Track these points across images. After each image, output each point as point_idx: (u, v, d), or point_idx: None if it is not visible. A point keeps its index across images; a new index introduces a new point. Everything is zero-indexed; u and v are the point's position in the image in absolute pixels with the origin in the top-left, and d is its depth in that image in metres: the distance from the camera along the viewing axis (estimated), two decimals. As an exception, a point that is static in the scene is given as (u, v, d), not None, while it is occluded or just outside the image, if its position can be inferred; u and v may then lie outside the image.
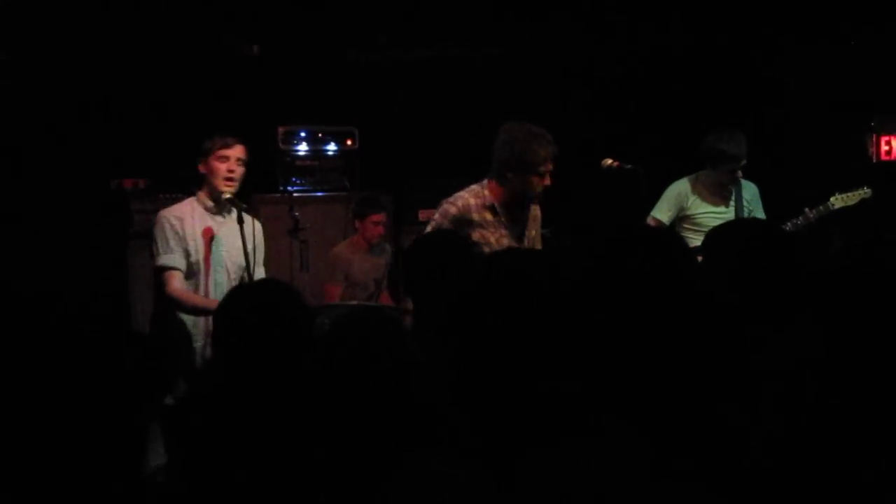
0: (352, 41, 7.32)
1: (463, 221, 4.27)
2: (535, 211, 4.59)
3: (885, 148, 7.09)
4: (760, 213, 5.73)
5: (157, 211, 4.59)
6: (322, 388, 1.84)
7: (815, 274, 2.21)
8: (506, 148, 4.29)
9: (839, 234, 5.92)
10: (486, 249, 4.25)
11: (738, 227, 3.05)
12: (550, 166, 4.31)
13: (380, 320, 2.00)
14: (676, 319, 1.70)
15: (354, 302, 5.91)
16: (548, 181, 4.33)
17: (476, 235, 4.27)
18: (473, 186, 4.39)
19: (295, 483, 1.90)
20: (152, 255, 4.41)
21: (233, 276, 4.42)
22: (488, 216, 4.34)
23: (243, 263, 4.30)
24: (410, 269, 3.16)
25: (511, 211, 4.40)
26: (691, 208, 5.64)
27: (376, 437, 1.78)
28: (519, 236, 4.44)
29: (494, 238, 4.34)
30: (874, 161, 7.07)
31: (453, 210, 4.30)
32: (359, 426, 1.78)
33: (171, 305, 4.34)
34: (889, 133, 7.08)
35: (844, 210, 5.67)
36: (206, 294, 4.35)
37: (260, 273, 4.52)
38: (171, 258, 4.32)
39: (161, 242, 4.35)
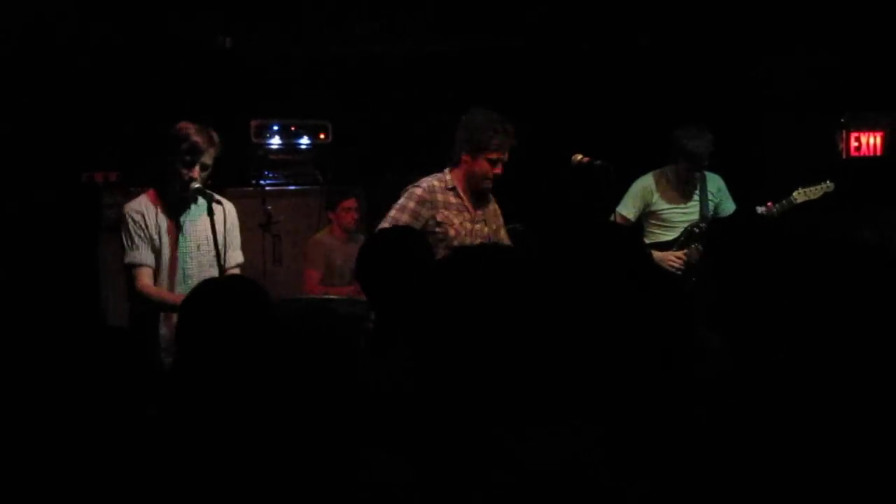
0: (325, 34, 7.31)
1: (427, 202, 4.44)
2: (495, 205, 4.72)
3: (854, 144, 7.15)
4: (730, 203, 5.78)
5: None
6: (273, 384, 1.87)
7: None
8: (464, 130, 4.49)
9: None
10: (451, 231, 4.44)
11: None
12: (505, 156, 4.48)
13: (323, 315, 2.02)
14: (633, 315, 1.72)
15: (324, 295, 5.93)
16: (499, 170, 4.48)
17: (440, 216, 4.43)
18: (436, 174, 4.56)
19: (258, 479, 1.91)
20: (122, 253, 4.33)
21: (207, 264, 4.32)
22: (451, 198, 4.50)
23: (213, 255, 4.21)
24: (366, 266, 3.15)
25: (472, 196, 4.55)
26: (656, 204, 5.67)
27: (328, 432, 1.80)
28: (480, 222, 4.58)
29: (458, 220, 4.49)
30: (844, 157, 7.13)
31: (418, 192, 4.46)
32: (310, 420, 1.80)
33: (141, 303, 4.28)
34: (858, 129, 7.15)
35: (808, 203, 5.73)
36: (173, 286, 4.30)
37: (237, 257, 4.46)
38: (137, 255, 4.25)
39: (126, 240, 4.27)
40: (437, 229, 4.39)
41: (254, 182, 6.92)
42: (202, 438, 2.06)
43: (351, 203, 6.64)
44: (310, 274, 6.49)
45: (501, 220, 4.75)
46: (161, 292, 4.26)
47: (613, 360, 1.69)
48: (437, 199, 4.46)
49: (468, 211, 4.54)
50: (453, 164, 4.55)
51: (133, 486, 2.05)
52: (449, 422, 1.80)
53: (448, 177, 4.52)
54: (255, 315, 2.45)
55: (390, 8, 7.05)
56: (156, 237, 4.28)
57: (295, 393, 1.84)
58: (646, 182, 5.69)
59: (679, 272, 5.48)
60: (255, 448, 1.89)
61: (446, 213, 4.46)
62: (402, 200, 4.47)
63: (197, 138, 4.21)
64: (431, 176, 4.54)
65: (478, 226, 4.57)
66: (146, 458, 2.11)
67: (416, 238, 3.38)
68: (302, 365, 1.87)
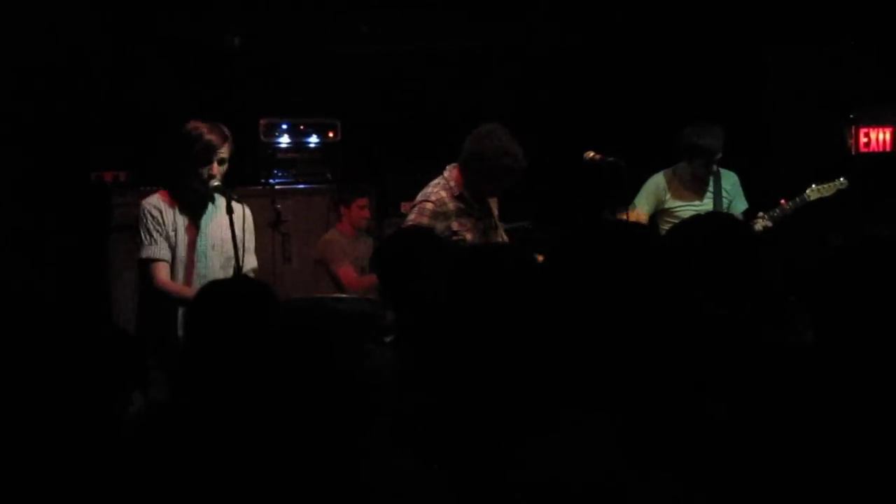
0: (333, 33, 7.30)
1: (441, 214, 4.42)
2: (493, 201, 4.71)
3: (863, 140, 7.12)
4: (742, 203, 5.76)
5: (138, 204, 4.48)
6: (277, 385, 1.87)
7: (810, 271, 2.21)
8: (477, 159, 4.42)
9: (834, 230, 5.92)
10: (468, 236, 4.46)
11: (700, 224, 2.97)
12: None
13: (328, 315, 2.02)
14: (644, 313, 1.71)
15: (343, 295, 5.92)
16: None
17: (455, 226, 4.44)
18: (439, 180, 4.53)
19: (264, 479, 1.91)
20: (138, 248, 4.31)
21: (219, 266, 4.32)
22: (461, 205, 4.50)
23: (231, 254, 4.21)
24: (384, 267, 3.15)
25: (475, 199, 4.55)
26: (669, 202, 5.67)
27: (334, 433, 1.80)
28: (485, 221, 4.59)
29: (470, 223, 4.51)
30: (853, 153, 7.10)
31: (430, 206, 4.44)
32: (315, 420, 1.81)
33: (157, 298, 4.27)
34: (868, 125, 7.12)
35: (821, 201, 5.70)
36: (189, 286, 4.28)
37: (250, 261, 4.42)
38: (156, 250, 4.22)
39: (144, 234, 4.24)
40: (455, 237, 4.39)
41: (263, 181, 6.91)
42: (208, 437, 2.06)
43: (365, 201, 6.65)
44: (346, 272, 6.45)
45: (497, 211, 4.73)
46: (181, 288, 4.24)
47: (626, 354, 1.68)
48: (449, 210, 4.45)
49: (475, 214, 4.56)
50: (460, 170, 4.49)
51: (133, 485, 2.05)
52: (465, 425, 1.79)
53: (452, 183, 4.48)
54: (260, 316, 2.44)
55: (398, 6, 7.05)
56: (172, 235, 4.27)
57: (297, 393, 1.84)
58: (657, 180, 5.70)
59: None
60: (262, 449, 1.89)
61: (460, 220, 4.47)
62: (413, 216, 4.46)
63: (211, 136, 4.21)
64: (435, 185, 4.50)
65: (482, 222, 4.59)
66: (147, 457, 2.12)
67: (436, 238, 3.39)
68: (306, 365, 1.86)
